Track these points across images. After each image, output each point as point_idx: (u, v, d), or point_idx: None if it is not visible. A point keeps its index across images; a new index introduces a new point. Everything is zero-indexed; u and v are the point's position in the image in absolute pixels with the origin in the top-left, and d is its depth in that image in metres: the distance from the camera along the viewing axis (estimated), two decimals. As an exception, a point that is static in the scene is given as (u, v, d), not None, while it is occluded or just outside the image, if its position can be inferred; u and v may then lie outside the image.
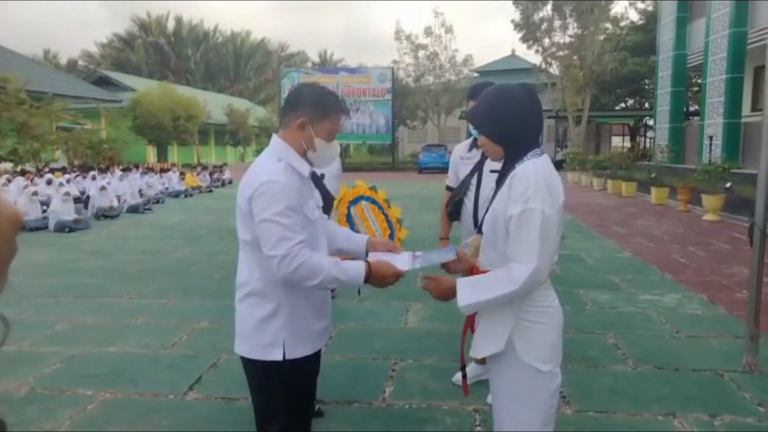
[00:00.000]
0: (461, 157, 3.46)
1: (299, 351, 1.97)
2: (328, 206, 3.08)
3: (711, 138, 15.74)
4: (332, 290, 5.42)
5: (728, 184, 11.31)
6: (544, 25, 28.55)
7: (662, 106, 19.99)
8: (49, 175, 13.91)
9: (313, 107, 1.95)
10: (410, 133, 40.92)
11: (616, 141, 36.41)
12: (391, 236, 2.79)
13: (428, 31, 33.87)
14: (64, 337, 4.47)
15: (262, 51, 59.71)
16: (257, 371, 2.01)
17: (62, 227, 10.21)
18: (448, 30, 33.88)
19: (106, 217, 11.94)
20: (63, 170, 18.05)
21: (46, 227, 10.43)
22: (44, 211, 10.94)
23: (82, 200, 12.95)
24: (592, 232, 9.50)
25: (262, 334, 1.95)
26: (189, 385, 3.53)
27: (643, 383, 3.49)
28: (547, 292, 1.86)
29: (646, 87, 31.31)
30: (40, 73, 25.76)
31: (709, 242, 8.30)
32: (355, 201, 2.79)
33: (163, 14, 57.86)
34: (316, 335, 2.05)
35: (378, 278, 1.97)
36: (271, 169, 1.88)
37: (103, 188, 12.30)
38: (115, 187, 13.45)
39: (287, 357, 1.94)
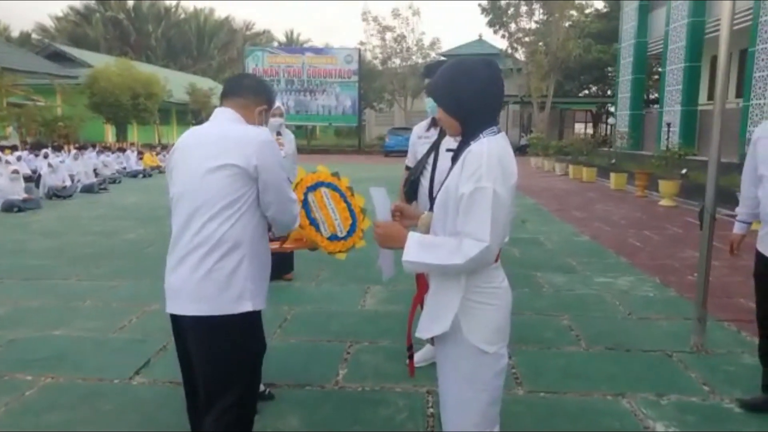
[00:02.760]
0: (419, 136, 3.41)
1: (261, 302, 2.06)
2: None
3: (669, 125, 16.12)
4: (288, 273, 5.35)
5: (684, 171, 11.61)
6: (511, 11, 28.66)
7: (623, 93, 20.35)
8: (-2, 153, 13.28)
9: (269, 99, 2.20)
10: (377, 116, 40.69)
11: (579, 127, 37.03)
12: (353, 226, 2.71)
13: (396, 13, 33.60)
14: (6, 320, 4.27)
15: (227, 29, 58.19)
16: (224, 330, 1.97)
17: (11, 207, 9.79)
18: (416, 12, 33.68)
19: (58, 197, 11.50)
20: (14, 148, 17.29)
21: (-7, 207, 9.99)
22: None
23: (33, 179, 12.45)
24: (552, 216, 9.63)
25: (230, 288, 1.96)
26: (135, 369, 3.41)
27: (595, 364, 3.53)
28: (496, 272, 1.82)
29: (609, 74, 31.86)
30: (-12, 46, 24.52)
31: (664, 227, 8.50)
32: (314, 187, 2.69)
33: (123, -13, 55.71)
34: (265, 292, 2.14)
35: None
36: (260, 132, 2.04)
37: (50, 165, 11.80)
38: (69, 166, 12.97)
39: (255, 308, 2.01)
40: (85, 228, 8.25)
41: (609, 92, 33.35)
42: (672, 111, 16.37)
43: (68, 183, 11.91)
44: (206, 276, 1.96)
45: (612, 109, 28.90)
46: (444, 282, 1.78)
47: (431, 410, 2.94)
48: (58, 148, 17.52)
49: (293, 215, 2.15)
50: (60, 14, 53.66)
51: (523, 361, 3.52)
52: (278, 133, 4.78)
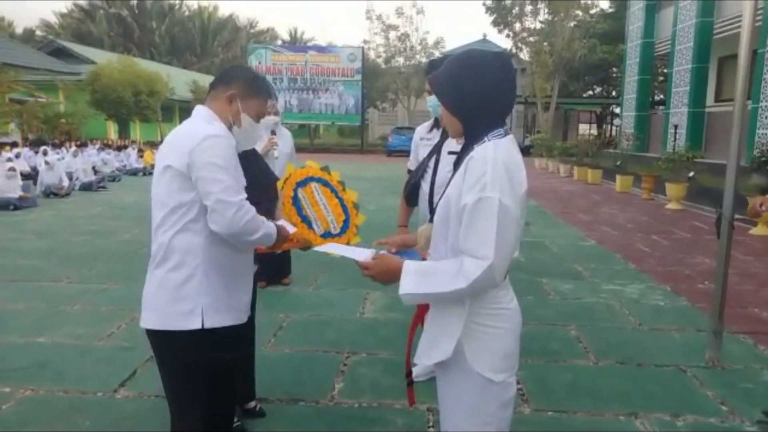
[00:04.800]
0: (421, 138, 3.24)
1: (219, 319, 1.86)
2: (273, 189, 2.80)
3: (675, 127, 15.90)
4: (285, 277, 5.16)
5: (691, 174, 11.40)
6: (516, 10, 28.43)
7: (629, 95, 20.12)
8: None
9: (245, 83, 1.98)
10: (380, 116, 40.46)
11: (584, 128, 36.76)
12: (347, 222, 2.53)
13: (399, 12, 33.39)
14: (-11, 325, 4.11)
15: (230, 27, 58.08)
16: (171, 348, 1.84)
17: (6, 205, 9.62)
18: (420, 11, 33.52)
19: (55, 195, 11.34)
20: (13, 144, 17.15)
21: (-11, 205, 9.83)
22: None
23: (32, 177, 12.30)
24: (557, 219, 9.43)
25: (178, 301, 1.81)
26: (121, 381, 3.23)
27: (605, 379, 3.34)
28: (504, 292, 1.63)
29: (614, 75, 31.60)
30: (-9, 42, 24.42)
31: (672, 231, 8.30)
32: (303, 182, 2.51)
33: (127, -16, 55.59)
34: (237, 307, 1.94)
35: (280, 236, 2.03)
36: (208, 128, 1.85)
37: (46, 163, 11.65)
38: (68, 164, 12.81)
39: (206, 325, 1.82)
40: (80, 227, 8.08)
41: (614, 93, 33.08)
42: (679, 113, 16.14)
43: (65, 182, 11.72)
44: (158, 286, 1.85)
45: (617, 110, 28.67)
46: (445, 303, 1.59)
47: (432, 430, 2.76)
48: (58, 145, 17.37)
49: (233, 224, 1.77)
50: (64, 11, 53.43)
51: (528, 376, 3.33)
52: (273, 132, 4.60)
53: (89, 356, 3.60)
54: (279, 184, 2.64)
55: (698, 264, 6.19)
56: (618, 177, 13.93)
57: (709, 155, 13.63)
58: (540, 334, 4.04)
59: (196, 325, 1.81)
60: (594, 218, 9.49)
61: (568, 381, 3.32)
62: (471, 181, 1.48)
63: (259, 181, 2.54)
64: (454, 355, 1.58)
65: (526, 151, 27.35)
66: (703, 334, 3.84)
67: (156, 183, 1.87)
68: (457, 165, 1.63)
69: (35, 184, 11.78)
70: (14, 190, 9.98)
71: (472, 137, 1.59)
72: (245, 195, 1.84)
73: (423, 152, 3.15)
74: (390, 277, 1.60)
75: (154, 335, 1.86)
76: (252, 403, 2.87)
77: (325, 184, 2.54)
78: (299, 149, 5.13)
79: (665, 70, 21.00)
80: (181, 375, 1.87)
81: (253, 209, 1.83)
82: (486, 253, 1.42)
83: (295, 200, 2.55)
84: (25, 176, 11.84)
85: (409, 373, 1.86)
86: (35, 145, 17.41)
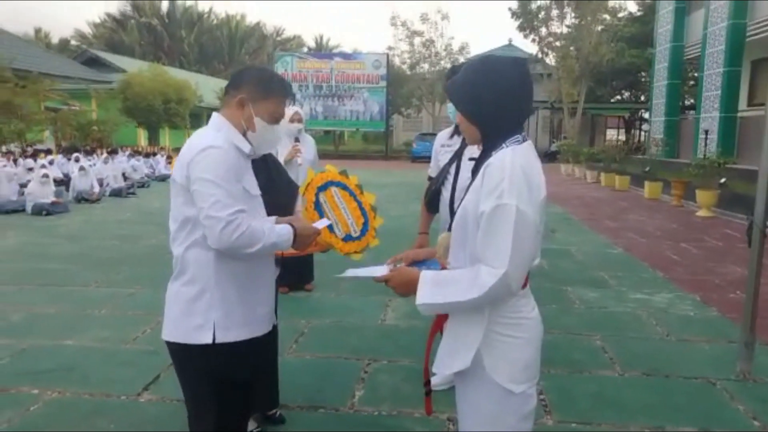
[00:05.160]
0: (442, 145, 3.23)
1: (232, 334, 1.84)
2: (292, 195, 2.82)
3: (706, 132, 15.54)
4: (307, 283, 5.18)
5: (723, 180, 11.12)
6: (542, 15, 28.19)
7: (658, 99, 19.75)
8: (29, 161, 13.48)
9: (255, 86, 1.89)
10: (405, 122, 40.46)
11: (611, 133, 36.24)
12: (366, 225, 2.54)
13: (424, 18, 33.37)
14: (19, 328, 4.21)
15: (258, 35, 58.89)
16: (185, 359, 1.86)
17: (40, 210, 9.89)
18: (445, 17, 33.39)
19: (86, 200, 11.60)
20: (47, 152, 17.63)
21: (23, 209, 10.12)
22: (22, 194, 10.62)
23: (64, 183, 12.62)
24: (583, 225, 9.29)
25: (191, 315, 1.81)
26: (144, 384, 3.28)
27: (630, 391, 3.27)
28: (524, 300, 1.60)
29: (643, 79, 31.02)
30: (28, 52, 25.15)
31: (702, 239, 8.10)
32: (324, 187, 2.54)
33: (157, -6, 56.79)
34: (253, 320, 1.90)
35: (302, 237, 1.95)
36: (209, 138, 1.81)
37: (82, 168, 11.95)
38: (98, 170, 13.11)
39: (217, 340, 1.81)
40: (109, 232, 8.25)
41: (642, 98, 32.49)
42: (710, 117, 15.77)
43: (96, 188, 11.99)
44: (173, 299, 1.87)
45: (646, 115, 28.17)
46: (464, 312, 1.58)
47: (451, 439, 2.73)
48: (90, 152, 17.77)
49: (222, 240, 1.70)
50: (98, 20, 54.86)
51: (551, 386, 3.27)
52: (296, 139, 4.63)
53: (114, 359, 3.66)
54: (301, 189, 2.67)
55: (729, 273, 6.02)
56: (646, 183, 13.67)
57: (742, 161, 13.30)
58: (564, 343, 3.98)
59: (207, 339, 1.80)
60: (621, 225, 9.32)
61: (592, 392, 3.25)
62: (488, 188, 1.47)
63: (273, 186, 2.54)
64: (473, 365, 1.56)
65: (552, 157, 27.10)
66: (734, 346, 3.73)
67: (170, 195, 1.89)
68: (475, 172, 1.62)
69: (67, 190, 12.09)
70: (47, 195, 10.24)
71: (490, 144, 1.58)
72: (239, 207, 1.73)
73: (444, 159, 3.13)
74: (408, 288, 1.60)
75: (169, 345, 1.88)
76: (273, 410, 2.88)
77: (344, 187, 2.55)
78: (324, 155, 5.16)
79: (695, 74, 20.58)
80: (195, 385, 1.88)
81: (246, 223, 1.73)
82: (501, 262, 1.41)
83: (317, 205, 2.57)
84: (58, 182, 12.15)
85: (427, 382, 1.84)
86: (68, 152, 17.87)
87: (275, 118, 1.92)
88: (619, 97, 35.23)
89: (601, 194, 14.49)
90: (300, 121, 4.79)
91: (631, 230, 8.79)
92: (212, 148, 1.75)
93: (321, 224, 2.16)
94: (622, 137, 33.12)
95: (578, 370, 3.55)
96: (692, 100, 27.37)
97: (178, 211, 1.81)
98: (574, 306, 4.82)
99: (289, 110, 4.95)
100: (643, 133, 31.46)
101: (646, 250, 7.22)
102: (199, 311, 1.81)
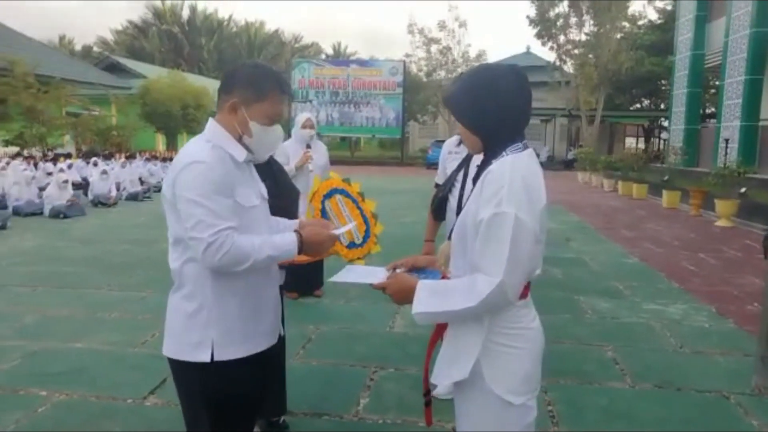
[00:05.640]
0: (450, 152, 3.22)
1: (230, 352, 1.75)
2: (293, 200, 2.82)
3: (727, 141, 15.29)
4: (317, 288, 5.18)
5: (743, 189, 10.92)
6: (560, 22, 28.06)
7: (678, 108, 19.50)
8: (49, 165, 13.70)
9: (247, 88, 1.74)
10: (420, 129, 40.47)
11: (630, 142, 35.83)
12: (367, 231, 2.53)
13: (442, 25, 33.37)
14: (32, 330, 4.26)
15: (276, 42, 59.44)
16: (183, 375, 1.80)
17: (57, 213, 10.03)
18: (462, 24, 33.36)
19: (103, 204, 11.75)
20: (67, 156, 17.93)
21: (41, 213, 10.27)
22: (41, 197, 10.78)
23: (82, 186, 12.81)
24: (599, 234, 9.17)
25: (189, 331, 1.74)
26: (150, 388, 3.29)
27: (641, 404, 3.20)
28: (525, 310, 1.58)
29: (663, 87, 30.70)
30: (50, 58, 25.65)
31: (721, 249, 7.95)
32: (329, 194, 2.54)
33: (178, 2, 57.69)
34: (253, 336, 1.81)
35: (313, 245, 1.82)
36: (196, 151, 1.70)
37: (104, 172, 12.14)
38: (116, 174, 13.29)
39: (216, 358, 1.73)
40: (123, 236, 8.34)
41: (662, 106, 32.14)
42: (731, 126, 15.52)
43: (114, 192, 12.15)
44: (173, 312, 1.82)
45: (665, 123, 27.83)
46: (463, 321, 1.55)
47: (456, 450, 2.69)
48: (108, 156, 18.02)
49: (206, 261, 1.63)
50: (120, 28, 55.80)
51: (560, 398, 3.22)
52: (308, 146, 4.64)
53: (122, 363, 3.68)
54: (308, 197, 2.67)
55: (747, 284, 5.90)
56: (665, 192, 13.49)
57: (763, 170, 13.07)
58: (574, 353, 3.91)
59: (204, 358, 1.72)
60: (638, 234, 9.19)
61: (602, 404, 3.19)
62: (487, 196, 1.45)
63: (279, 191, 2.54)
64: (472, 376, 1.53)
65: (569, 165, 26.88)
66: (750, 359, 3.64)
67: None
68: (476, 180, 1.60)
69: (85, 194, 12.26)
70: (65, 199, 10.38)
71: (490, 152, 1.56)
72: (224, 225, 1.62)
73: (451, 166, 3.12)
74: (405, 296, 1.58)
75: (169, 362, 1.81)
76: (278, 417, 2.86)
77: (347, 195, 2.55)
78: (340, 162, 5.17)
79: (716, 83, 20.29)
80: (191, 402, 1.81)
81: (230, 242, 1.62)
82: (497, 270, 1.39)
83: (323, 213, 2.57)
84: (76, 186, 12.34)
85: (427, 392, 1.81)
86: (87, 156, 18.15)
87: (273, 119, 1.78)
88: (638, 105, 34.89)
89: (618, 203, 14.32)
90: (312, 127, 4.81)
91: (647, 240, 8.66)
92: (196, 164, 1.64)
93: (341, 230, 2.06)
94: (641, 146, 32.73)
95: (588, 382, 3.48)
96: (713, 109, 27.04)
97: (172, 228, 1.74)
98: (586, 316, 4.74)
99: (302, 117, 4.98)
100: (662, 141, 31.08)
101: (663, 260, 7.10)
102: (197, 327, 1.73)
